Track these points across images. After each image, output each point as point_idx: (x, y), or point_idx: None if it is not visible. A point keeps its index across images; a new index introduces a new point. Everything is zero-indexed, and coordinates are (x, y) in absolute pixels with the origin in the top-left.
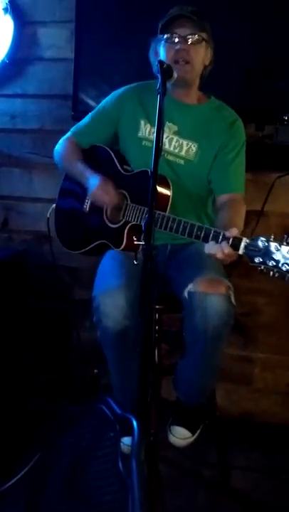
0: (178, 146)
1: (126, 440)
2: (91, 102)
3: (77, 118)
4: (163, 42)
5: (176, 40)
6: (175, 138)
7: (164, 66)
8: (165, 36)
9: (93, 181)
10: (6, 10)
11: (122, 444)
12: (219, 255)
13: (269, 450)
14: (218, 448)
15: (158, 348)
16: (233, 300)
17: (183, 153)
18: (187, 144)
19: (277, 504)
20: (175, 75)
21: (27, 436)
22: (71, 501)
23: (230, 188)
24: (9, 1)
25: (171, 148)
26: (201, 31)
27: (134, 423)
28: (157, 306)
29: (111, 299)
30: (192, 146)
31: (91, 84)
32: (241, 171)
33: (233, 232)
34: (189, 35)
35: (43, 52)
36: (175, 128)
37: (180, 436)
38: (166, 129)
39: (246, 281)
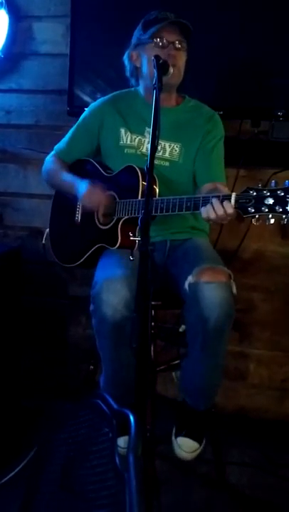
0: (161, 149)
1: (120, 443)
2: (86, 98)
3: (73, 113)
4: (149, 45)
5: (165, 45)
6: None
7: (160, 61)
8: (154, 40)
9: (82, 187)
10: (1, 4)
11: (118, 448)
12: (213, 216)
13: (264, 446)
14: (213, 444)
15: (153, 344)
16: (234, 290)
17: (167, 155)
18: (170, 146)
19: (273, 500)
20: (171, 70)
21: (22, 433)
22: (66, 496)
23: (213, 176)
24: None
25: None
26: (185, 38)
27: (131, 417)
28: (153, 303)
29: (114, 286)
30: (175, 146)
31: (86, 80)
32: (221, 162)
33: (221, 191)
34: (177, 40)
35: (38, 47)
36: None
37: (188, 449)
38: (146, 135)
39: (242, 277)
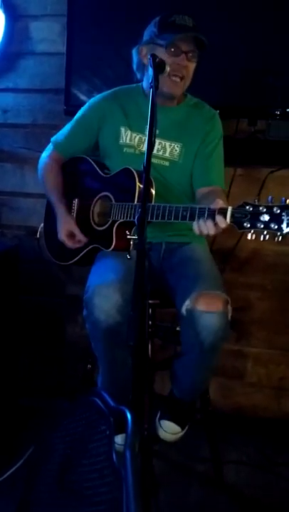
0: (161, 148)
1: (118, 440)
2: (83, 97)
3: (70, 112)
4: (161, 49)
5: (179, 54)
6: (158, 141)
7: (157, 60)
8: (169, 48)
9: (59, 227)
10: None
11: (116, 445)
12: (212, 232)
13: (262, 444)
14: (210, 442)
15: (151, 343)
16: (229, 316)
17: (167, 154)
18: (170, 145)
19: (270, 498)
20: (167, 68)
21: (20, 431)
22: (64, 494)
23: (210, 180)
24: None
25: (155, 151)
26: (199, 48)
27: (128, 415)
28: (151, 301)
29: (106, 292)
30: (175, 146)
31: (83, 79)
32: (220, 165)
33: (218, 203)
34: (191, 51)
35: (35, 46)
36: (156, 131)
37: (170, 431)
38: (147, 134)
39: (239, 276)
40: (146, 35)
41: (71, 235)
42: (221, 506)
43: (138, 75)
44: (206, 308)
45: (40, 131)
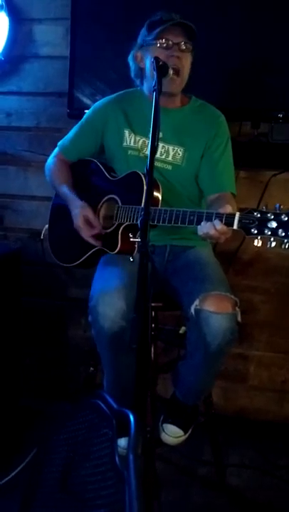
0: (164, 152)
1: (121, 443)
2: (86, 100)
3: (73, 115)
4: (153, 46)
5: (170, 46)
6: (161, 144)
7: (160, 63)
8: (159, 42)
9: (74, 212)
10: (1, 7)
11: (118, 447)
12: (212, 232)
13: (264, 447)
14: (213, 445)
15: (154, 346)
16: (239, 318)
17: (170, 158)
18: (173, 149)
19: (272, 501)
20: (170, 71)
21: (22, 434)
22: (66, 497)
23: (220, 187)
24: None
25: (158, 155)
26: (190, 39)
27: (131, 417)
28: (153, 304)
29: (110, 299)
30: (178, 150)
31: (86, 82)
32: (230, 169)
33: (226, 209)
34: (182, 42)
35: (39, 49)
36: (160, 134)
37: (173, 434)
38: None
39: (242, 278)
40: (138, 40)
41: (87, 222)
42: (222, 509)
43: (137, 82)
44: (215, 309)
45: (43, 134)
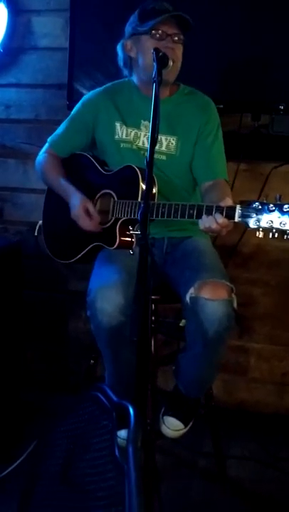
0: (157, 142)
1: (121, 434)
2: (86, 92)
3: (72, 107)
4: (146, 37)
5: (163, 37)
6: None
7: (160, 54)
8: (152, 32)
9: (74, 202)
10: None
11: (118, 438)
12: (214, 226)
13: (264, 440)
14: (213, 438)
15: (154, 339)
16: (235, 305)
17: (164, 148)
18: (166, 139)
19: (273, 493)
20: (170, 62)
21: (22, 426)
22: (66, 489)
23: (215, 174)
24: None
25: None
26: (183, 30)
27: (131, 410)
28: (153, 297)
29: (108, 294)
30: (171, 140)
31: (86, 74)
32: (222, 155)
33: (226, 202)
34: (176, 34)
35: (38, 41)
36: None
37: (173, 427)
38: (142, 128)
39: (242, 271)
40: (127, 29)
41: (87, 212)
42: (223, 501)
43: (125, 72)
44: (211, 296)
45: (42, 126)
